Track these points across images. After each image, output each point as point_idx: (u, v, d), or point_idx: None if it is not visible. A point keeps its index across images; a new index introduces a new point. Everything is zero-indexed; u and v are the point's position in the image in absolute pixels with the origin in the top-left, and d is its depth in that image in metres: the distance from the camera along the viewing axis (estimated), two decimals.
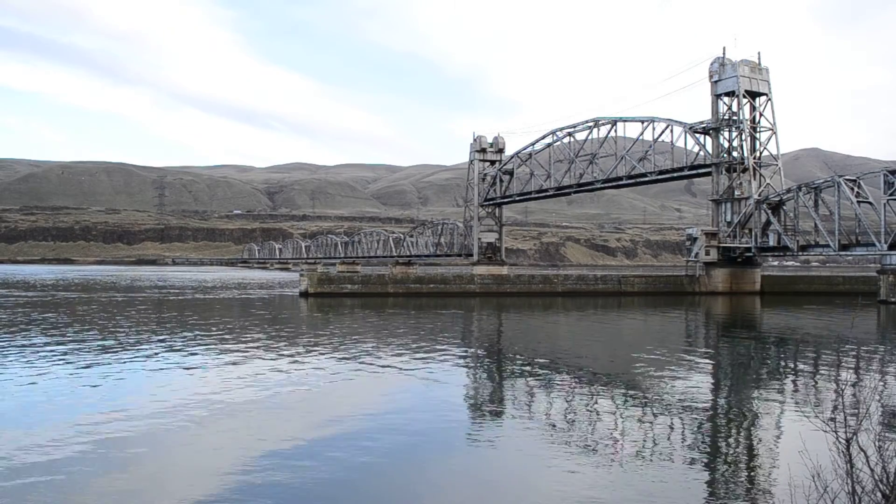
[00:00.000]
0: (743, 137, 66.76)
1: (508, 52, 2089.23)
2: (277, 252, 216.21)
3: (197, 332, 29.25)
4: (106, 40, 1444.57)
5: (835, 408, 13.65)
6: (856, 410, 12.43)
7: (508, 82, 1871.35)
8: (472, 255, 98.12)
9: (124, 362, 20.57)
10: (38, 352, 22.63)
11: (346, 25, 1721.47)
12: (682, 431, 12.80)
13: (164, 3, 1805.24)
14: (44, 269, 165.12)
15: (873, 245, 54.28)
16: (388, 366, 20.36)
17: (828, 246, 58.61)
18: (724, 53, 67.98)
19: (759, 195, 64.79)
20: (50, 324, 32.39)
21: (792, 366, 22.71)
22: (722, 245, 65.99)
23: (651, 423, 13.39)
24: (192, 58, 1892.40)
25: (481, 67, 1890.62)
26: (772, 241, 62.68)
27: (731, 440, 12.56)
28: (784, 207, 62.27)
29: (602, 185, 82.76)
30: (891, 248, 52.47)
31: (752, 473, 10.58)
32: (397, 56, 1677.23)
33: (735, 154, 67.21)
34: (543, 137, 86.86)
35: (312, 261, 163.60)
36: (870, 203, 56.70)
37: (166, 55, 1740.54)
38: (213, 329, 31.06)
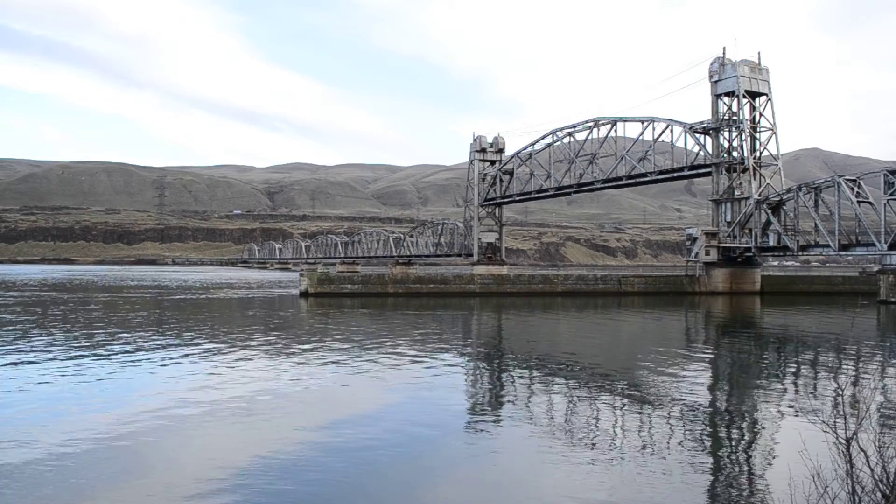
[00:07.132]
0: (743, 137, 66.75)
1: (511, 55, 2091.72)
2: (277, 252, 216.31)
3: (195, 333, 29.21)
4: (116, 43, 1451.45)
5: (835, 408, 13.64)
6: (856, 410, 12.45)
7: (510, 84, 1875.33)
8: (472, 255, 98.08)
9: (122, 364, 20.57)
10: (23, 355, 22.60)
11: (354, 30, 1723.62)
12: (682, 431, 12.79)
13: (174, 9, 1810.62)
14: (37, 269, 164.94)
15: (873, 245, 54.28)
16: (388, 366, 20.34)
17: (828, 246, 58.60)
18: (724, 53, 68.00)
19: (759, 195, 64.77)
20: (32, 325, 32.37)
21: (792, 366, 22.68)
22: (722, 245, 65.98)
23: (651, 423, 13.38)
24: (199, 61, 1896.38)
25: (484, 70, 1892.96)
26: (772, 241, 62.67)
27: (731, 440, 12.55)
28: (784, 207, 62.25)
29: (602, 185, 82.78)
30: (891, 248, 52.47)
31: (752, 473, 10.58)
32: (403, 60, 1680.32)
33: (735, 154, 67.21)
34: (543, 137, 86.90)
35: (312, 261, 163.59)
36: (870, 203, 56.71)
37: (174, 59, 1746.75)
38: (212, 329, 31.03)
